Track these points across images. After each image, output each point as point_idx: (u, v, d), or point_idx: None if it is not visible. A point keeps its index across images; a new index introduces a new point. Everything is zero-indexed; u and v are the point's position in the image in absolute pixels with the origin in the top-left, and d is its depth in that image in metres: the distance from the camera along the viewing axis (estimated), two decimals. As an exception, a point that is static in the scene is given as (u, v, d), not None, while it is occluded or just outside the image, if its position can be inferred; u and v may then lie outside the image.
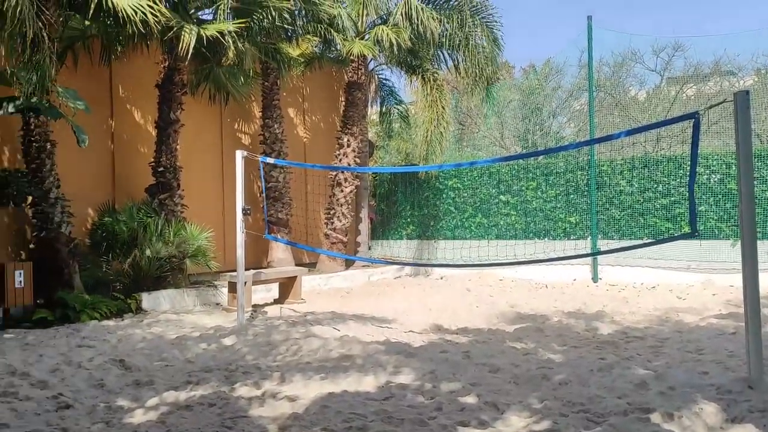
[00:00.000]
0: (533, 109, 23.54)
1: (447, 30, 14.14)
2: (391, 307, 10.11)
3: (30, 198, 9.09)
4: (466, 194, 15.24)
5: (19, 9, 6.51)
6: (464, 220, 15.26)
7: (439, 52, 15.08)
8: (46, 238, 9.32)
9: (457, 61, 14.85)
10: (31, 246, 9.68)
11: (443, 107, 15.06)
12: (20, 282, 8.69)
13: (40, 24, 6.87)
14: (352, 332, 7.91)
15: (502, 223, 14.62)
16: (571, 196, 13.79)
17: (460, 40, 14.01)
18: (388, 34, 12.81)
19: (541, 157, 14.77)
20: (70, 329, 8.40)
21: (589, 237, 13.41)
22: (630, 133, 7.58)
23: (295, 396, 5.10)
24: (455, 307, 10.14)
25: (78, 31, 10.06)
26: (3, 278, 8.59)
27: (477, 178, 15.05)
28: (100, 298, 9.44)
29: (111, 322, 8.95)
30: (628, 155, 13.88)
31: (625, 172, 13.25)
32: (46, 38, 6.97)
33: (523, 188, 14.38)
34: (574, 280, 13.07)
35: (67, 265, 9.38)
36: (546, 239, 13.95)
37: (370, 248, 16.08)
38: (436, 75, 15.21)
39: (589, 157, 13.37)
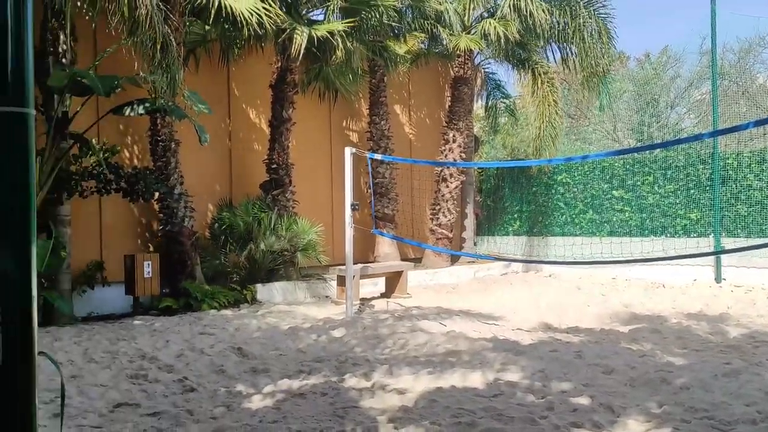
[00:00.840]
0: (649, 100, 22.43)
1: (557, 21, 13.74)
2: (498, 304, 9.98)
3: (157, 194, 9.75)
4: (576, 189, 14.76)
5: (149, 16, 6.99)
6: (574, 216, 14.79)
7: (548, 44, 14.68)
8: (171, 232, 9.96)
9: (568, 53, 14.40)
10: (158, 239, 10.38)
11: (555, 101, 14.65)
12: (148, 272, 9.34)
13: (168, 29, 7.36)
14: (459, 328, 7.89)
15: (614, 219, 14.04)
16: (692, 191, 13.01)
17: (571, 32, 13.57)
18: (495, 28, 12.63)
19: (657, 150, 14.03)
20: (193, 317, 8.94)
21: (712, 235, 12.60)
22: (759, 123, 7.05)
23: (403, 389, 5.16)
24: (565, 305, 9.86)
25: (199, 36, 10.65)
26: (133, 269, 9.27)
27: (588, 172, 14.53)
28: (218, 288, 9.98)
29: (229, 312, 9.44)
30: (756, 147, 12.91)
31: (753, 166, 12.33)
32: (174, 43, 7.45)
33: (638, 183, 13.72)
34: (695, 280, 12.33)
35: (189, 257, 9.98)
36: (663, 236, 13.25)
37: (475, 244, 15.95)
38: (546, 68, 14.82)
39: (712, 149, 12.55)
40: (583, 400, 4.73)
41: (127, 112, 8.70)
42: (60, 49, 8.56)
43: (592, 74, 13.97)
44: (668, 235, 13.25)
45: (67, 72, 8.07)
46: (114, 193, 9.11)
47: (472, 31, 13.69)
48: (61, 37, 8.54)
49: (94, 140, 8.94)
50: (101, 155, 8.56)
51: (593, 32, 13.62)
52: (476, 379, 5.47)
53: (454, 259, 14.53)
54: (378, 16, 10.58)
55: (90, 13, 7.92)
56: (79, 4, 7.41)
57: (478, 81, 16.09)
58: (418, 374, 5.64)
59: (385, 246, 13.45)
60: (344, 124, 14.06)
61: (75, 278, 9.21)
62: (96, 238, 9.97)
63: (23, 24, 1.26)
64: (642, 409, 4.52)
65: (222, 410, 4.79)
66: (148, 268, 9.33)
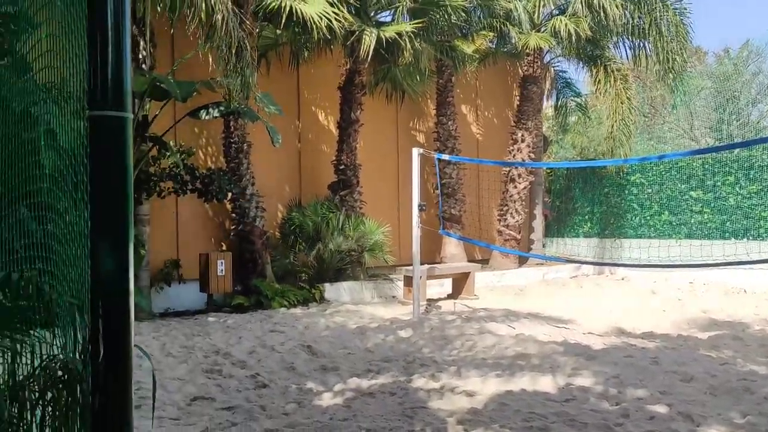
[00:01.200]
0: (729, 97, 21.47)
1: (631, 16, 13.34)
2: (568, 307, 9.76)
3: (230, 194, 10.04)
4: (650, 190, 14.27)
5: (225, 21, 7.23)
6: (649, 217, 14.30)
7: (621, 40, 14.27)
8: (243, 231, 10.23)
9: (642, 49, 13.95)
10: (230, 238, 10.68)
11: (628, 98, 14.22)
12: (221, 270, 9.62)
13: (242, 34, 7.59)
14: (528, 331, 7.77)
15: (692, 221, 13.49)
16: (776, 192, 12.37)
17: (646, 26, 13.14)
18: (566, 25, 12.37)
19: (737, 149, 13.40)
20: (263, 315, 9.16)
21: (799, 238, 11.94)
22: None
23: (472, 391, 5.12)
24: (639, 309, 9.55)
25: (271, 40, 10.90)
26: (207, 267, 9.58)
27: (664, 172, 14.02)
28: (288, 287, 10.18)
29: (298, 310, 9.61)
30: None
31: None
32: (248, 47, 7.68)
33: (718, 183, 13.14)
34: (779, 285, 11.71)
35: (260, 256, 10.22)
36: (745, 239, 12.64)
37: (544, 246, 15.66)
38: (618, 64, 14.40)
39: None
40: (661, 409, 4.57)
41: (203, 116, 9.00)
42: (140, 55, 8.94)
43: (668, 70, 13.47)
44: (751, 237, 12.64)
45: (147, 77, 8.41)
46: (190, 193, 9.44)
47: (542, 29, 13.45)
48: (141, 43, 8.90)
49: (171, 142, 9.28)
50: (178, 157, 8.88)
51: (669, 26, 13.15)
52: (547, 383, 5.38)
53: (522, 261, 14.31)
54: (446, 16, 10.55)
55: (170, 20, 8.23)
56: (159, 10, 7.71)
57: (548, 79, 15.78)
58: (486, 377, 5.59)
59: (452, 247, 13.38)
60: (411, 124, 14.08)
61: (153, 276, 9.59)
62: (173, 237, 10.35)
63: (122, 34, 1.33)
64: (724, 419, 4.33)
65: (293, 407, 4.89)
66: (221, 267, 9.61)
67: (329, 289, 10.62)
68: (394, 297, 11.08)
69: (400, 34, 10.16)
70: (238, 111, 8.89)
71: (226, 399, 5.13)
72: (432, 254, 13.43)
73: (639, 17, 13.29)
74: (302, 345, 7.04)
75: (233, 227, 10.50)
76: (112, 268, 1.31)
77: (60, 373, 1.44)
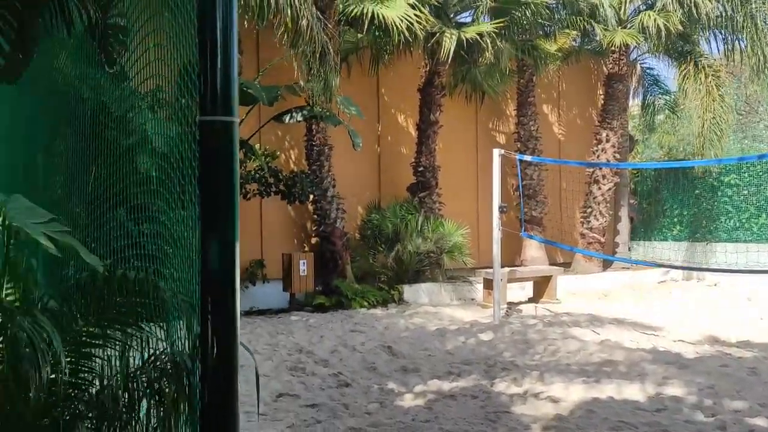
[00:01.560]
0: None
1: (724, 10, 12.69)
2: (656, 313, 9.38)
3: (311, 196, 10.26)
4: (746, 192, 13.51)
5: (310, 27, 7.41)
6: (744, 220, 13.55)
7: (713, 34, 13.60)
8: (324, 232, 10.43)
9: (736, 43, 13.24)
10: (312, 239, 10.91)
11: (720, 96, 13.52)
12: (303, 271, 9.84)
13: (325, 38, 7.76)
14: (614, 337, 7.52)
15: (792, 224, 12.69)
16: None
17: (741, 19, 12.46)
18: (655, 20, 11.90)
19: None
20: (344, 315, 9.29)
21: None
22: None
23: (557, 397, 5.02)
24: (734, 317, 9.06)
25: (352, 44, 11.07)
26: (290, 267, 9.82)
27: (762, 173, 13.25)
28: (367, 287, 10.29)
29: (377, 311, 9.70)
30: None
31: None
32: (331, 51, 7.84)
33: (822, 184, 12.30)
34: None
35: (341, 257, 10.39)
36: None
37: (630, 249, 15.11)
38: (710, 60, 13.73)
39: None
40: (761, 422, 4.33)
41: (287, 120, 9.25)
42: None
43: (764, 66, 12.71)
44: None
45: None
46: (273, 195, 9.71)
47: (629, 26, 13.00)
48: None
49: (256, 146, 9.58)
50: (263, 160, 9.15)
51: (766, 19, 12.42)
52: (635, 392, 5.20)
53: (606, 265, 13.87)
54: (529, 15, 10.39)
55: (257, 27, 8.49)
56: (247, 18, 7.98)
57: (634, 77, 15.24)
58: (571, 383, 5.46)
59: (533, 249, 13.13)
60: (491, 125, 13.93)
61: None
62: (257, 237, 10.67)
63: (230, 44, 1.40)
64: (833, 436, 4.06)
65: (376, 406, 4.94)
66: (303, 267, 9.83)
67: (408, 291, 10.66)
68: (473, 299, 10.99)
69: (480, 35, 10.09)
70: (321, 115, 9.07)
71: (310, 396, 5.25)
72: (512, 257, 13.23)
73: (732, 9, 12.62)
74: (383, 345, 7.09)
75: (315, 228, 10.73)
76: (220, 267, 1.37)
77: (168, 366, 1.52)
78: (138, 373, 1.56)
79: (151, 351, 1.64)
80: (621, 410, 4.68)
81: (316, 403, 5.03)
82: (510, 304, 10.31)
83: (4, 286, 1.52)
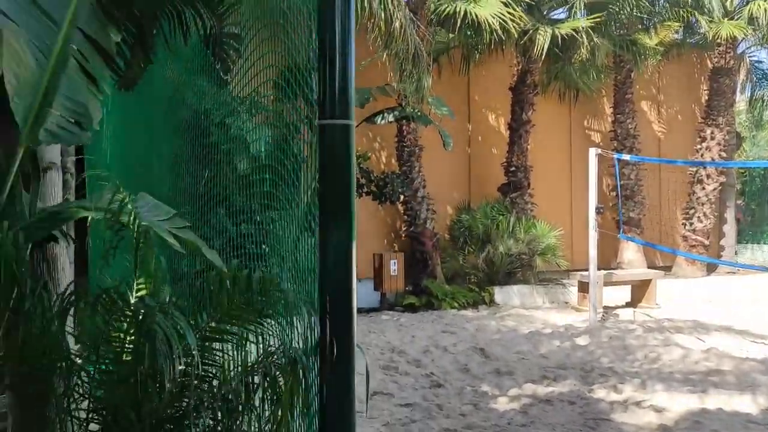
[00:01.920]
0: None
1: None
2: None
3: (402, 196, 10.33)
4: None
5: (403, 29, 7.48)
6: None
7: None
8: (414, 233, 10.48)
9: None
10: (402, 239, 10.98)
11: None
12: (394, 270, 9.92)
13: (417, 39, 7.80)
14: (720, 345, 7.11)
15: None
16: None
17: None
18: (765, 10, 11.19)
19: None
20: (434, 315, 9.29)
21: None
22: None
23: (660, 407, 4.81)
24: None
25: (443, 44, 11.06)
26: (381, 267, 9.92)
27: None
28: (457, 288, 10.25)
29: (468, 312, 9.64)
30: None
31: None
32: (423, 52, 7.88)
33: None
34: None
35: (430, 257, 10.40)
36: None
37: (736, 253, 14.26)
38: (829, 50, 12.77)
39: None
40: None
41: (378, 121, 9.35)
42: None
43: None
44: None
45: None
46: (365, 195, 9.84)
47: (736, 17, 12.28)
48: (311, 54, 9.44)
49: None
50: (356, 161, 9.29)
51: None
52: (747, 404, 4.90)
53: (710, 269, 13.15)
54: (627, 8, 10.01)
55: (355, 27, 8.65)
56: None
57: (741, 71, 14.37)
58: (675, 392, 5.22)
59: (630, 252, 12.64)
60: (585, 123, 13.52)
61: (331, 273, 10.11)
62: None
63: (348, 49, 1.43)
64: None
65: (470, 408, 4.91)
66: (394, 267, 9.91)
67: (499, 292, 10.52)
68: (566, 303, 10.70)
69: (576, 31, 9.83)
70: (412, 115, 9.12)
71: (403, 396, 5.28)
72: (607, 259, 12.78)
73: None
74: (474, 347, 7.04)
75: (405, 229, 10.79)
76: (338, 267, 1.41)
77: (285, 362, 1.58)
78: (256, 367, 1.63)
79: (267, 347, 1.71)
80: (731, 422, 4.43)
81: (409, 403, 5.06)
82: (606, 308, 9.95)
83: (136, 282, 1.63)
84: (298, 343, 1.58)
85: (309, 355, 1.54)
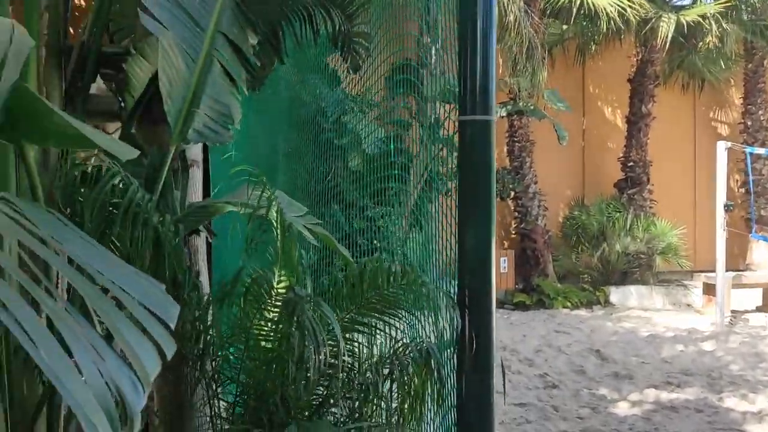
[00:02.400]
0: None
1: None
2: None
3: (513, 193, 10.15)
4: None
5: (517, 21, 7.35)
6: None
7: None
8: (525, 230, 10.28)
9: None
10: (512, 236, 10.80)
11: None
12: (504, 268, 9.78)
13: (531, 32, 7.64)
14: None
15: None
16: None
17: None
18: None
19: None
20: (546, 314, 9.07)
21: None
22: None
23: (801, 420, 4.46)
24: None
25: (556, 36, 10.75)
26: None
27: None
28: (570, 287, 9.95)
29: (581, 312, 9.34)
30: None
31: None
32: (538, 45, 7.70)
33: None
34: None
35: (542, 255, 10.16)
36: None
37: None
38: None
39: None
40: None
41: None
42: (431, 61, 9.49)
43: None
44: None
45: (438, 83, 8.91)
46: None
47: None
48: (432, 49, 9.45)
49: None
50: (466, 157, 9.24)
51: None
52: None
53: None
54: (763, -9, 9.31)
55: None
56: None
57: None
58: (818, 405, 4.81)
59: (761, 252, 11.73)
60: (711, 115, 12.70)
61: (442, 270, 10.12)
62: (449, 234, 10.79)
63: (490, 45, 1.43)
64: None
65: (588, 411, 4.77)
66: (504, 264, 9.76)
67: (614, 293, 10.11)
68: (688, 305, 10.11)
69: (703, 17, 9.25)
70: (525, 109, 8.95)
71: (517, 395, 5.20)
72: (734, 260, 11.92)
73: None
74: (590, 349, 6.82)
75: (515, 225, 10.60)
76: (478, 262, 1.41)
77: (419, 354, 1.60)
78: (390, 359, 1.67)
79: (401, 339, 1.74)
80: None
81: (523, 403, 4.98)
82: (734, 312, 9.32)
83: (278, 274, 1.71)
84: (430, 337, 1.60)
85: (443, 349, 1.55)
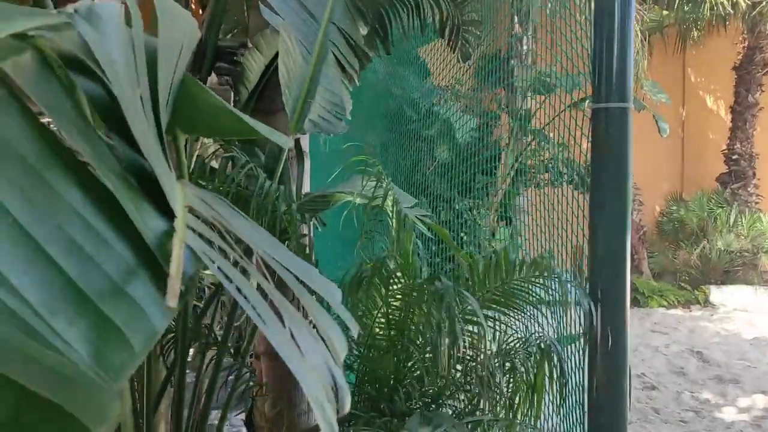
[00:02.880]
0: None
1: None
2: None
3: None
4: None
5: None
6: None
7: None
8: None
9: None
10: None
11: None
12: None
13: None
14: None
15: None
16: None
17: None
18: None
19: None
20: (641, 313, 8.72)
21: None
22: None
23: None
24: None
25: (656, 22, 10.27)
26: (583, 259, 9.53)
27: None
28: (667, 286, 9.53)
29: (678, 311, 8.93)
30: None
31: None
32: (638, 32, 7.37)
33: None
34: None
35: (636, 251, 9.77)
36: None
37: None
38: None
39: None
40: None
41: (584, 107, 8.94)
42: (522, 51, 9.27)
43: None
44: None
45: (530, 72, 8.70)
46: (566, 184, 9.49)
47: None
48: (524, 39, 9.23)
49: (551, 135, 9.46)
50: (558, 149, 9.00)
51: None
52: None
53: None
54: None
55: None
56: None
57: None
58: None
59: None
60: (825, 105, 11.80)
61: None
62: (543, 227, 10.54)
63: (627, 29, 1.37)
64: None
65: (691, 415, 4.55)
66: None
67: (715, 292, 9.59)
68: (798, 308, 9.48)
69: (821, -1, 8.59)
70: (622, 100, 8.61)
71: (613, 395, 5.03)
72: None
73: None
74: (690, 350, 6.51)
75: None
76: (611, 255, 1.36)
77: (541, 348, 1.56)
78: (513, 352, 1.64)
79: (519, 332, 1.71)
80: None
81: (621, 403, 4.81)
82: None
83: (395, 263, 1.71)
84: (547, 331, 1.56)
85: (564, 344, 1.50)
